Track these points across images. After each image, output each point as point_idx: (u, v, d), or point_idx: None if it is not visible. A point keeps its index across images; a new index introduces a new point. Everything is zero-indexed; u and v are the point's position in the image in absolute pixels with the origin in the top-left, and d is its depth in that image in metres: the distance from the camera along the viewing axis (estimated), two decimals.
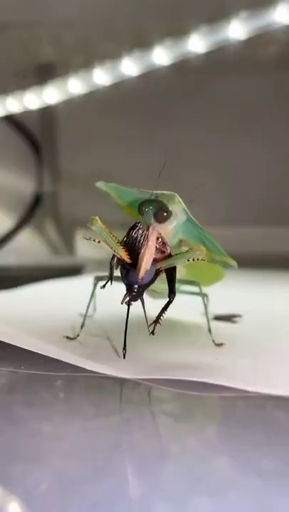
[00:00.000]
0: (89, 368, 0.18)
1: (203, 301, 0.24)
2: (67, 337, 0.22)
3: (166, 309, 0.19)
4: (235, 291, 0.38)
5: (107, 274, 0.21)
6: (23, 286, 0.37)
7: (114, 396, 0.17)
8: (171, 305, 0.20)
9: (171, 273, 0.19)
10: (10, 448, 0.13)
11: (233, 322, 0.27)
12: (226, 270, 0.26)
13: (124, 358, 0.19)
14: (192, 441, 0.14)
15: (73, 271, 0.50)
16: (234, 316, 0.28)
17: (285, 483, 0.12)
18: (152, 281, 0.19)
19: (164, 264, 0.19)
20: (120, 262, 0.19)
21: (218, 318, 0.27)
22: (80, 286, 0.35)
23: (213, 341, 0.22)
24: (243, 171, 0.66)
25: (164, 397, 0.17)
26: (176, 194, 0.21)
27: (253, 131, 0.66)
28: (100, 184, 0.23)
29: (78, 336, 0.22)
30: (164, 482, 0.12)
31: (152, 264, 0.19)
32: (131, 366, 0.19)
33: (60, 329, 0.24)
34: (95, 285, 0.24)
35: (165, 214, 0.20)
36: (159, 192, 0.21)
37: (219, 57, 0.50)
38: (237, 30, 0.46)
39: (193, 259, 0.19)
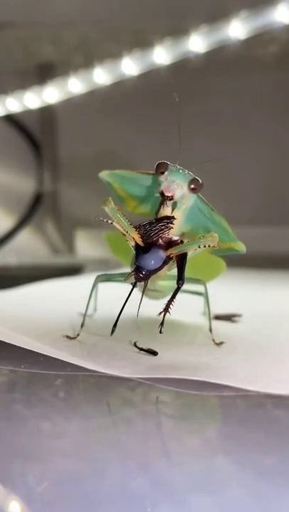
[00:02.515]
0: (89, 367, 0.19)
1: (206, 300, 0.24)
2: (68, 336, 0.22)
3: (174, 297, 0.19)
4: (235, 291, 0.38)
5: (108, 273, 0.21)
6: (23, 285, 0.37)
7: (114, 395, 0.17)
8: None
9: (182, 260, 0.19)
10: (10, 446, 0.13)
11: (233, 322, 0.27)
12: (226, 269, 0.26)
13: (111, 335, 0.19)
14: (192, 440, 0.14)
15: (73, 270, 0.50)
16: (234, 315, 0.28)
17: (285, 482, 0.12)
18: (161, 267, 0.19)
19: (175, 251, 0.19)
20: (133, 243, 0.19)
21: (218, 317, 0.27)
22: (80, 285, 0.35)
23: (213, 341, 0.22)
24: (242, 170, 0.66)
25: (164, 396, 0.17)
26: (190, 173, 0.21)
27: (253, 130, 0.66)
28: (102, 174, 0.23)
29: (78, 335, 0.22)
30: (164, 481, 0.12)
31: (162, 251, 0.19)
32: (131, 365, 0.19)
33: (60, 328, 0.24)
34: (95, 285, 0.24)
35: (197, 186, 0.20)
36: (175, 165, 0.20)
37: (219, 57, 0.50)
38: (237, 29, 0.46)
39: (205, 246, 0.19)
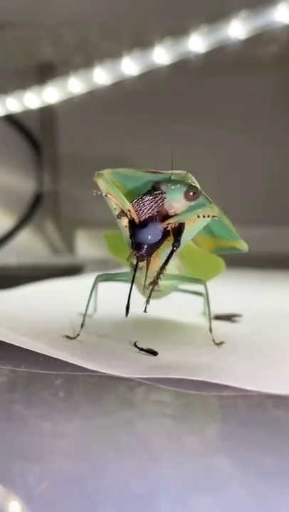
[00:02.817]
0: (89, 367, 0.19)
1: (206, 300, 0.24)
2: (67, 336, 0.22)
3: (167, 262, 0.19)
4: (235, 291, 0.38)
5: (108, 272, 0.21)
6: (23, 285, 0.37)
7: (113, 395, 0.17)
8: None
9: (178, 228, 0.19)
10: (10, 446, 0.13)
11: (233, 322, 0.27)
12: (225, 268, 0.26)
13: (126, 315, 0.19)
14: (192, 440, 0.14)
15: (73, 270, 0.50)
16: (234, 315, 0.28)
17: (285, 482, 0.12)
18: (160, 241, 0.19)
19: (172, 220, 0.19)
20: (128, 219, 0.19)
21: (218, 317, 0.27)
22: (80, 285, 0.35)
23: (213, 341, 0.22)
24: (242, 170, 0.66)
25: (164, 396, 0.17)
26: (189, 174, 0.20)
27: (253, 130, 0.66)
28: (104, 172, 0.23)
29: (78, 335, 0.22)
30: (164, 481, 0.12)
31: (159, 223, 0.19)
32: (131, 365, 0.19)
33: (60, 328, 0.24)
34: (95, 285, 0.24)
35: (194, 193, 0.20)
36: (172, 172, 0.20)
37: (219, 57, 0.50)
38: (237, 29, 0.46)
39: (204, 216, 0.19)
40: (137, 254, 0.19)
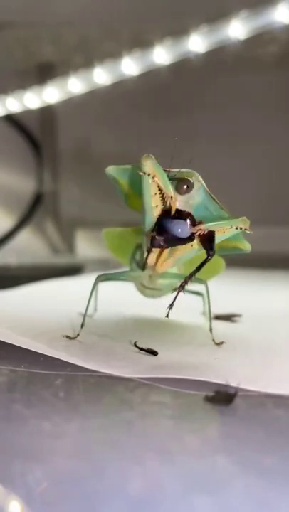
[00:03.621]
0: (89, 367, 0.18)
1: (207, 300, 0.24)
2: (67, 336, 0.22)
3: (199, 269, 0.19)
4: (235, 291, 0.38)
5: (108, 272, 0.21)
6: (23, 285, 0.37)
7: (113, 395, 0.17)
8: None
9: (209, 238, 0.19)
10: (10, 446, 0.13)
11: (233, 322, 0.27)
12: (225, 268, 0.26)
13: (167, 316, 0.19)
14: (192, 440, 0.14)
15: (73, 270, 0.50)
16: (234, 315, 0.28)
17: (285, 482, 0.12)
18: (181, 240, 0.19)
19: (203, 227, 0.19)
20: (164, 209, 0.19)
21: (218, 317, 0.27)
22: (80, 285, 0.35)
23: (213, 341, 0.22)
24: (242, 170, 0.66)
25: (164, 396, 0.17)
26: (195, 172, 0.20)
27: (253, 130, 0.66)
28: (109, 169, 0.23)
29: (78, 335, 0.22)
30: (164, 481, 0.12)
31: (190, 225, 0.19)
32: (131, 365, 0.19)
33: (60, 328, 0.24)
34: (95, 285, 0.23)
35: (186, 186, 0.19)
36: (177, 170, 0.20)
37: (219, 57, 0.50)
38: (237, 29, 0.46)
39: (237, 228, 0.19)
40: (156, 238, 0.19)
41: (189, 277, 0.19)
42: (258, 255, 0.27)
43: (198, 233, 0.19)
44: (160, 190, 0.19)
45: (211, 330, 0.23)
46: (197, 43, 0.48)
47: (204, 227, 0.19)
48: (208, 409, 0.16)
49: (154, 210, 0.19)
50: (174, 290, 0.19)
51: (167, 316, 0.19)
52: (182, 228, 0.19)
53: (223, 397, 0.16)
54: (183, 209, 0.20)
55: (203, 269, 0.25)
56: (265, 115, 0.66)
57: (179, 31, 0.49)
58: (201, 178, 0.20)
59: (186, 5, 0.51)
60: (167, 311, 0.19)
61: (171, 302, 0.20)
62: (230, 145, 0.66)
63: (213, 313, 0.24)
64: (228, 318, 0.28)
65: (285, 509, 0.11)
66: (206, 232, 0.19)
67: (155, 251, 0.20)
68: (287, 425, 0.15)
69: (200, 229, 0.19)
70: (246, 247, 0.22)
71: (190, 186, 0.20)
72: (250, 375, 0.18)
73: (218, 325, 0.25)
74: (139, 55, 0.51)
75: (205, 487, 0.11)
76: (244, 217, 0.19)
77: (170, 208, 0.19)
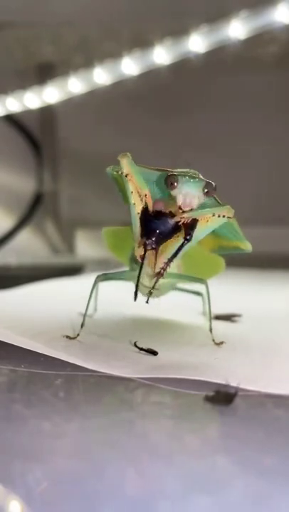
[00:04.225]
0: (89, 367, 0.18)
1: (208, 300, 0.24)
2: (67, 336, 0.22)
3: (176, 254, 0.19)
4: (235, 291, 0.38)
5: (108, 272, 0.21)
6: (23, 285, 0.37)
7: (113, 395, 0.17)
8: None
9: (191, 223, 0.19)
10: (10, 446, 0.13)
11: (233, 322, 0.27)
12: (225, 267, 0.26)
13: (134, 300, 0.20)
14: (192, 440, 0.14)
15: (73, 270, 0.50)
16: (234, 315, 0.28)
17: (285, 482, 0.12)
18: (170, 234, 0.19)
19: (186, 215, 0.19)
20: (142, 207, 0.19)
21: (218, 317, 0.27)
22: (80, 285, 0.35)
23: (213, 341, 0.22)
24: (242, 170, 0.66)
25: (164, 396, 0.17)
26: (197, 172, 0.20)
27: (253, 130, 0.66)
28: (110, 169, 0.23)
29: (78, 335, 0.22)
30: (164, 481, 0.12)
31: (170, 218, 0.19)
32: (131, 365, 0.19)
33: (60, 328, 0.24)
34: (95, 285, 0.23)
35: (209, 191, 0.19)
36: (181, 170, 0.20)
37: (219, 57, 0.50)
38: (237, 29, 0.46)
39: (219, 216, 0.19)
40: (147, 242, 0.19)
41: (168, 262, 0.19)
42: (258, 255, 0.27)
43: (181, 221, 0.19)
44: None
45: (211, 330, 0.23)
46: (197, 43, 0.48)
47: (187, 215, 0.19)
48: (208, 409, 0.16)
49: (133, 208, 0.19)
50: (160, 270, 0.19)
51: (147, 302, 0.20)
52: (164, 223, 0.19)
53: (223, 397, 0.16)
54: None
55: (203, 269, 0.25)
56: (265, 115, 0.66)
57: (179, 31, 0.49)
58: (202, 177, 0.20)
59: (186, 5, 0.51)
60: (147, 298, 0.20)
61: (152, 287, 0.20)
62: (230, 145, 0.66)
63: (213, 313, 0.24)
64: (228, 318, 0.28)
65: (285, 509, 0.11)
66: (189, 220, 0.19)
67: (150, 254, 0.20)
68: (287, 425, 0.15)
69: (182, 217, 0.19)
70: (247, 247, 0.22)
71: (212, 191, 0.19)
72: (250, 375, 0.18)
73: (218, 325, 0.25)
74: (139, 55, 0.51)
75: (205, 487, 0.11)
76: (228, 206, 0.19)
77: (147, 207, 0.19)
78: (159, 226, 0.19)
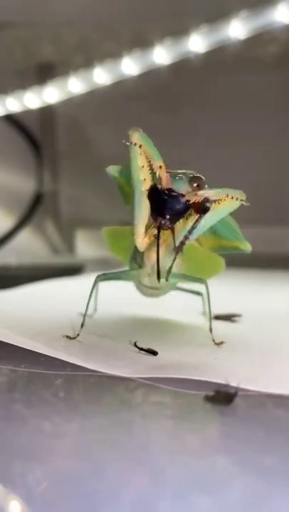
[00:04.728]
0: (89, 367, 0.18)
1: (207, 300, 0.24)
2: (68, 336, 0.22)
3: (194, 227, 0.19)
4: (235, 291, 0.38)
5: (108, 272, 0.20)
6: (23, 285, 0.37)
7: (113, 395, 0.17)
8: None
9: (204, 209, 0.19)
10: (10, 446, 0.13)
11: (233, 322, 0.27)
12: (225, 266, 0.26)
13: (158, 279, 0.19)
14: (192, 440, 0.14)
15: (73, 270, 0.50)
16: (234, 315, 0.28)
17: (285, 482, 0.12)
18: (182, 212, 0.19)
19: (199, 193, 0.19)
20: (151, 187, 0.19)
21: (218, 317, 0.27)
22: (80, 285, 0.35)
23: (213, 341, 0.22)
24: (242, 170, 0.66)
25: (164, 396, 0.17)
26: (194, 173, 0.20)
27: (253, 130, 0.66)
28: (110, 168, 0.23)
29: (78, 335, 0.22)
30: (164, 481, 0.12)
31: (181, 198, 0.18)
32: (131, 365, 0.19)
33: (60, 328, 0.24)
34: (95, 284, 0.23)
35: (198, 184, 0.19)
36: (180, 171, 0.20)
37: (219, 57, 0.50)
38: (237, 29, 0.46)
39: (232, 198, 0.19)
40: (162, 221, 0.18)
41: (186, 238, 0.19)
42: (258, 255, 0.27)
43: (193, 200, 0.19)
44: (148, 162, 0.19)
45: (211, 330, 0.23)
46: (197, 43, 0.48)
47: (200, 193, 0.19)
48: (208, 409, 0.16)
49: (142, 184, 0.19)
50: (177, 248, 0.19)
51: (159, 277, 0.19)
52: (176, 201, 0.19)
53: (223, 397, 0.16)
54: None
55: (203, 268, 0.25)
56: (265, 115, 0.66)
57: (179, 31, 0.49)
58: (191, 174, 0.20)
59: (186, 5, 0.51)
60: (166, 276, 0.19)
61: (170, 266, 0.19)
62: (230, 145, 0.66)
63: (213, 313, 0.24)
64: (228, 318, 0.28)
65: (285, 509, 0.11)
66: (201, 199, 0.19)
67: (150, 251, 0.20)
68: (287, 425, 0.15)
69: (196, 194, 0.19)
70: (247, 247, 0.22)
71: (201, 184, 0.19)
72: (250, 375, 0.18)
73: (218, 325, 0.25)
74: (139, 55, 0.51)
75: (205, 487, 0.11)
76: (240, 191, 0.19)
77: (159, 183, 0.19)
78: (173, 203, 0.18)
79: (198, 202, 0.19)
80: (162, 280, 0.21)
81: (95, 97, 0.56)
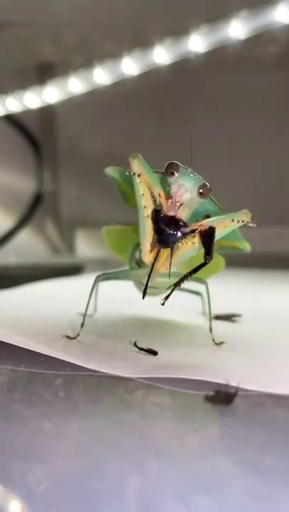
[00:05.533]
0: (89, 367, 0.18)
1: (207, 299, 0.24)
2: (68, 336, 0.22)
3: (196, 271, 0.19)
4: (235, 291, 0.38)
5: (108, 272, 0.20)
6: (23, 285, 0.37)
7: (113, 395, 0.17)
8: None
9: (209, 235, 0.19)
10: (10, 446, 0.13)
11: (233, 322, 0.27)
12: (225, 267, 0.26)
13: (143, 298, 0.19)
14: (192, 440, 0.14)
15: (73, 270, 0.50)
16: (234, 315, 0.28)
17: (285, 482, 0.12)
18: (182, 236, 0.19)
19: (204, 222, 0.19)
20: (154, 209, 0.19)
21: (218, 317, 0.27)
22: (80, 285, 0.35)
23: (213, 341, 0.22)
24: (242, 170, 0.66)
25: (164, 396, 0.17)
26: (199, 175, 0.20)
27: (253, 130, 0.66)
28: (109, 169, 0.23)
29: (78, 335, 0.22)
30: (164, 481, 0.12)
31: (183, 224, 0.19)
32: (131, 365, 0.19)
33: (60, 328, 0.24)
34: (95, 284, 0.23)
35: (203, 192, 0.19)
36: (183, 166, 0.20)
37: (219, 57, 0.50)
38: (237, 29, 0.46)
39: (239, 222, 0.19)
40: (162, 240, 0.19)
41: (185, 277, 0.19)
42: (258, 255, 0.27)
43: (199, 229, 0.19)
44: (149, 189, 0.19)
45: (211, 330, 0.23)
46: (197, 43, 0.48)
47: (205, 223, 0.19)
48: (208, 409, 0.16)
49: (143, 210, 0.19)
50: (169, 288, 0.19)
51: (163, 304, 0.19)
52: (179, 230, 0.19)
53: (223, 397, 0.16)
54: (185, 210, 0.19)
55: (203, 268, 0.25)
56: (265, 115, 0.66)
57: (179, 31, 0.49)
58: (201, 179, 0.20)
59: (186, 5, 0.51)
60: (163, 301, 0.19)
61: (165, 298, 0.19)
62: (230, 145, 0.66)
63: (213, 313, 0.24)
64: (228, 318, 0.28)
65: (285, 509, 0.11)
66: (206, 228, 0.19)
67: (154, 252, 0.20)
68: (287, 425, 0.15)
69: (201, 225, 0.19)
70: (246, 247, 0.22)
71: (206, 193, 0.19)
72: (250, 375, 0.18)
73: (218, 325, 0.25)
74: (139, 55, 0.52)
75: (205, 487, 0.11)
76: (245, 210, 0.19)
77: (160, 208, 0.19)
78: (172, 233, 0.19)
79: (204, 231, 0.19)
80: (162, 279, 0.21)
81: (95, 97, 0.56)
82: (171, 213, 0.19)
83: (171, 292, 0.19)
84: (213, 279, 0.26)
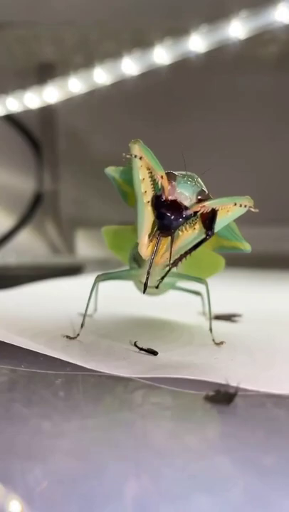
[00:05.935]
0: (89, 367, 0.18)
1: (208, 299, 0.24)
2: (68, 336, 0.22)
3: (197, 246, 0.19)
4: (235, 291, 0.38)
5: (108, 272, 0.20)
6: (23, 285, 0.37)
7: (113, 395, 0.17)
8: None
9: (211, 217, 0.19)
10: (10, 446, 0.13)
11: (233, 321, 0.27)
12: (225, 267, 0.26)
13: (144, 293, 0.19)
14: (192, 440, 0.14)
15: (73, 270, 0.50)
16: (234, 315, 0.28)
17: (285, 482, 0.12)
18: (184, 220, 0.19)
19: (207, 203, 0.18)
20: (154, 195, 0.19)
21: (218, 317, 0.27)
22: (80, 285, 0.35)
23: (213, 341, 0.22)
24: (242, 170, 0.66)
25: (164, 396, 0.17)
26: (195, 175, 0.20)
27: (253, 130, 0.66)
28: (109, 169, 0.22)
29: (78, 335, 0.22)
30: (163, 481, 0.12)
31: (185, 210, 0.18)
32: (130, 365, 0.19)
33: (60, 328, 0.24)
34: (95, 284, 0.23)
35: (200, 199, 0.19)
36: (179, 173, 0.20)
37: (219, 57, 0.50)
38: (237, 29, 0.46)
39: (241, 206, 0.19)
40: (163, 225, 0.18)
41: (184, 255, 0.19)
42: (258, 255, 0.27)
43: (201, 210, 0.19)
44: (150, 173, 0.19)
45: (211, 330, 0.23)
46: (197, 42, 0.48)
47: (208, 204, 0.19)
48: (208, 409, 0.16)
49: (143, 196, 0.19)
50: (166, 268, 0.19)
51: (157, 287, 0.19)
52: (181, 214, 0.18)
53: (223, 396, 0.16)
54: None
55: (203, 268, 0.25)
56: (264, 115, 0.66)
57: (179, 31, 0.49)
58: (200, 180, 0.20)
59: (186, 5, 0.51)
60: (158, 283, 0.19)
61: (160, 278, 0.19)
62: (230, 144, 0.66)
63: (213, 313, 0.24)
64: (228, 318, 0.28)
65: (285, 509, 0.11)
66: (208, 210, 0.19)
67: (153, 244, 0.19)
68: (287, 425, 0.15)
69: (203, 206, 0.18)
70: (246, 247, 0.22)
71: (204, 198, 0.19)
72: (250, 375, 0.18)
73: (218, 325, 0.25)
74: (139, 55, 0.51)
75: (205, 487, 0.11)
76: (248, 196, 0.19)
77: (161, 193, 0.19)
78: (175, 217, 0.18)
79: (205, 213, 0.19)
80: (163, 280, 0.21)
81: (94, 97, 0.56)
82: (172, 197, 0.19)
83: (167, 273, 0.19)
84: (213, 279, 0.26)
